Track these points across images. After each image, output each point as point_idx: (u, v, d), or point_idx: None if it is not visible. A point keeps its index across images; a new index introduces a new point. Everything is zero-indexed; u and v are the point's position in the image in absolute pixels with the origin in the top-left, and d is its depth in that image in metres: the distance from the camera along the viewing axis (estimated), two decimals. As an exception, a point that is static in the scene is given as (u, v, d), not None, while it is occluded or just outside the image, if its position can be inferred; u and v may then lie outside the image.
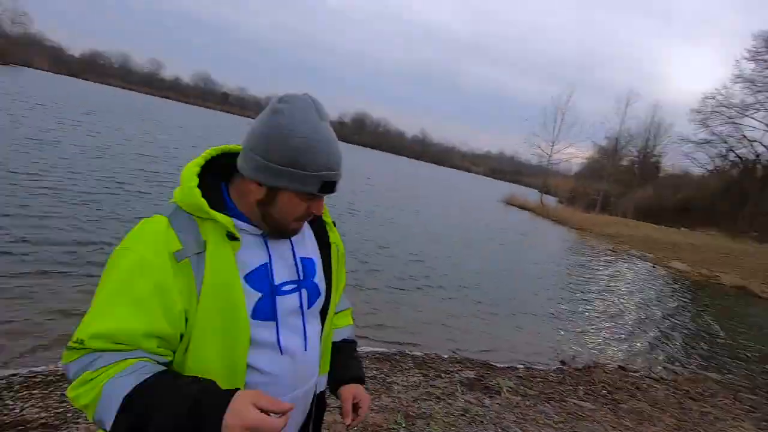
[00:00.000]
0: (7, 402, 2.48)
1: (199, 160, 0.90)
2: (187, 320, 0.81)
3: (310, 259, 0.99)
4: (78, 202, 6.79)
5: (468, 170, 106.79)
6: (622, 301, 9.53)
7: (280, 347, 0.89)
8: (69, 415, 2.43)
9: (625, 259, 16.34)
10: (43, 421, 2.35)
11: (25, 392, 2.60)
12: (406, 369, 3.95)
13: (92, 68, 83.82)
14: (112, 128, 17.09)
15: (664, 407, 4.24)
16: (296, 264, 0.94)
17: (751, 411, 4.61)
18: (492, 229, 16.50)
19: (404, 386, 3.54)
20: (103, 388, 0.72)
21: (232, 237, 0.84)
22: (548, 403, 3.78)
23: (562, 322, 6.89)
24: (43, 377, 2.80)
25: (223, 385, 0.78)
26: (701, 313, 9.63)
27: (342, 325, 1.17)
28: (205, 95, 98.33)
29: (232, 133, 28.24)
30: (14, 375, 2.77)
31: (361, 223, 10.92)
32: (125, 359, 0.75)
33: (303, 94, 0.88)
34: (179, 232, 0.81)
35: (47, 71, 64.42)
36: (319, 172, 0.84)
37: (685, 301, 10.64)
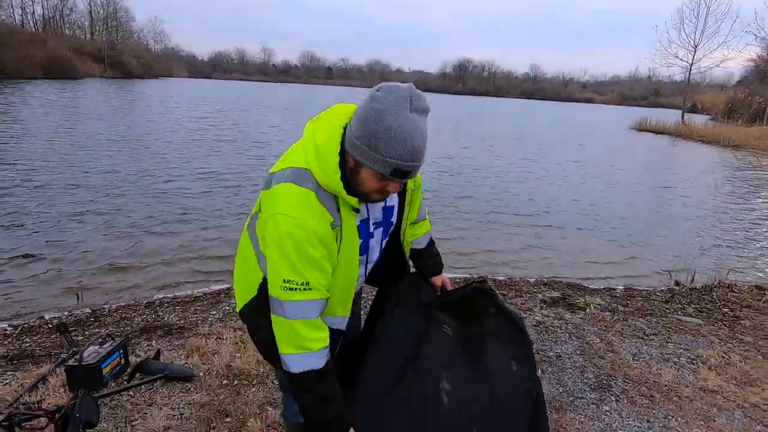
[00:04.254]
0: (160, 314, 3.33)
1: (335, 144, 1.05)
2: None
3: (392, 207, 1.27)
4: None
5: (591, 101, 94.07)
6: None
7: (366, 274, 1.29)
8: (199, 322, 3.17)
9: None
10: (181, 324, 3.11)
11: (171, 308, 3.44)
12: (485, 290, 4.02)
13: (218, 68, 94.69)
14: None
15: (809, 324, 3.56)
16: (382, 211, 1.24)
17: None
18: (616, 158, 14.67)
19: (479, 303, 3.64)
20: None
21: (356, 210, 1.11)
22: (643, 318, 3.51)
23: (688, 248, 6.06)
24: (183, 299, 3.64)
25: (343, 294, 1.18)
26: None
27: (421, 233, 1.48)
28: (311, 72, 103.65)
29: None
30: (165, 297, 3.68)
31: (455, 166, 10.79)
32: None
33: (406, 84, 0.99)
34: (327, 207, 1.05)
35: (187, 77, 74.95)
36: (392, 159, 0.97)
37: None
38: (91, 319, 3.19)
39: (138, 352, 2.63)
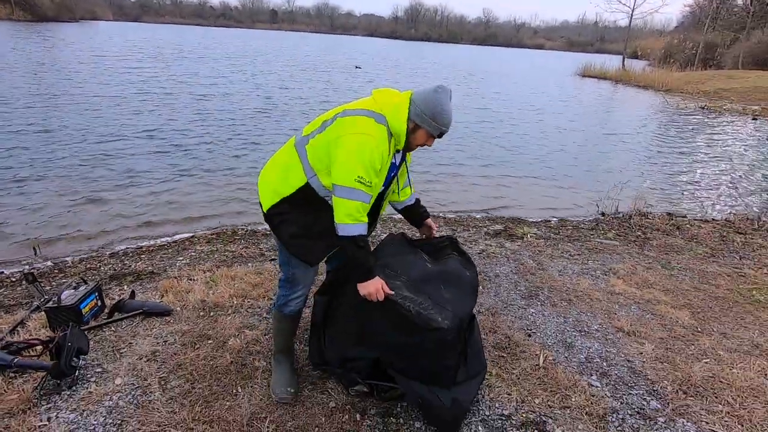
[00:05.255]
0: (126, 262, 3.42)
1: (405, 109, 1.69)
2: None
3: (396, 165, 1.88)
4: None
5: (541, 47, 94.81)
6: (699, 157, 8.81)
7: (382, 197, 1.89)
8: (167, 267, 3.31)
9: (716, 115, 14.43)
10: (150, 270, 3.24)
11: (136, 256, 3.53)
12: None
13: (148, 9, 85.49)
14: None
15: (702, 241, 4.26)
16: (397, 161, 1.87)
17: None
18: (558, 102, 15.34)
19: (431, 238, 4.00)
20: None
21: (398, 151, 1.79)
22: (571, 243, 4.04)
23: (615, 183, 6.73)
24: (147, 248, 3.73)
25: (372, 206, 1.72)
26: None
27: (411, 193, 2.12)
28: (254, 15, 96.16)
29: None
30: (128, 247, 3.74)
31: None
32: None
33: (448, 86, 1.70)
34: (389, 141, 1.68)
35: (112, 20, 67.27)
36: (442, 126, 1.71)
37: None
38: (55, 271, 3.24)
39: (112, 295, 2.77)
